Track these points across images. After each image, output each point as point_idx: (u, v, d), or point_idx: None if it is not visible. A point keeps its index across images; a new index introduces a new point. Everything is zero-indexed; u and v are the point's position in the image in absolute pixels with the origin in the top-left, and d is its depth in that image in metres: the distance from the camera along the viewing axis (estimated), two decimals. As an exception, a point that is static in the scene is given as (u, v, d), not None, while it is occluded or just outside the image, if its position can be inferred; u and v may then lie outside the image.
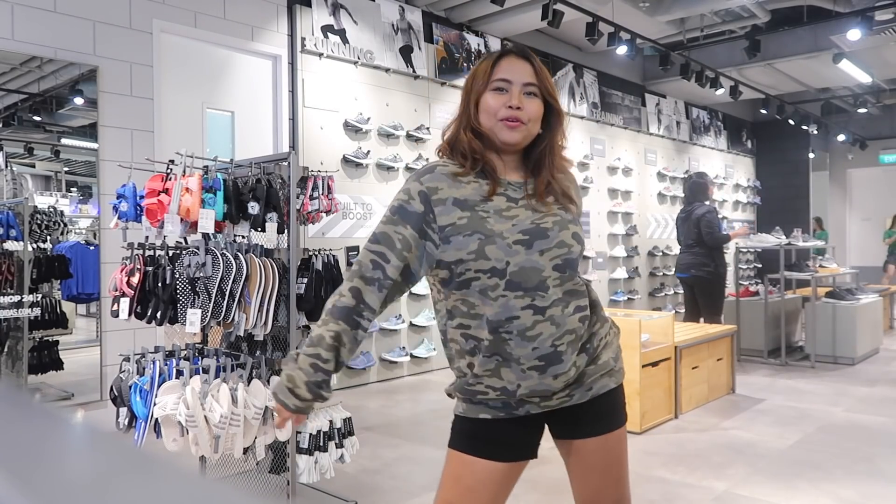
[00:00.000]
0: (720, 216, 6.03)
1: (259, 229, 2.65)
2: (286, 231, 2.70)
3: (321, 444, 2.72)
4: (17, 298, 3.92)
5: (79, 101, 4.20)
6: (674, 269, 7.08)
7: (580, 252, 1.42)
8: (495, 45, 7.00)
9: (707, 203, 5.86)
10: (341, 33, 5.63)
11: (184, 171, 2.63)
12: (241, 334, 2.62)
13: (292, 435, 2.64)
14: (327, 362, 1.34)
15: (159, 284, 2.59)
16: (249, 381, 2.56)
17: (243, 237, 2.71)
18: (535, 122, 1.42)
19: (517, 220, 1.37)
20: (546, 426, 1.49)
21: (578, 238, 1.42)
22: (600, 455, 1.47)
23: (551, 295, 1.36)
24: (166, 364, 2.58)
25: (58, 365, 4.14)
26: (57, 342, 4.14)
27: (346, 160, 5.59)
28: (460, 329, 1.40)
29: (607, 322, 1.53)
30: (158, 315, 2.58)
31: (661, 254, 9.44)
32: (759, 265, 10.94)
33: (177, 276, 2.57)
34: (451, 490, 1.43)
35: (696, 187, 5.95)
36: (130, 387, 2.58)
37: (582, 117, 8.13)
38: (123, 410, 2.62)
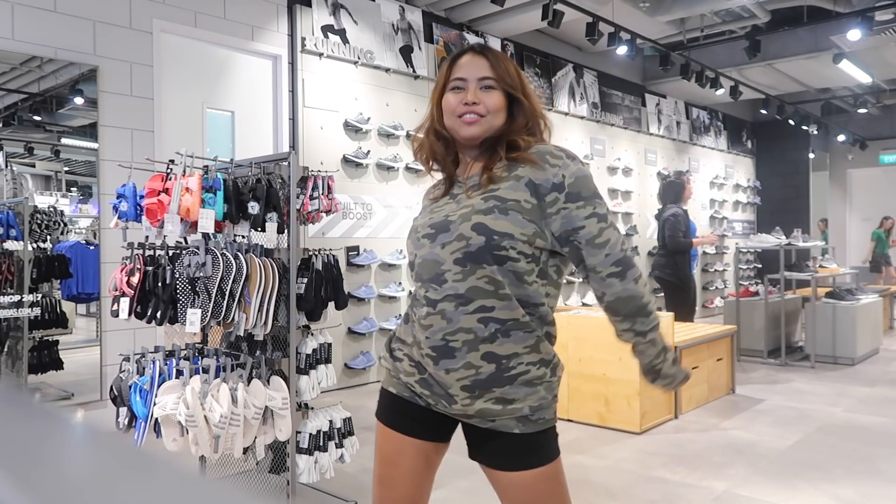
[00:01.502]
0: (691, 219, 5.96)
1: (259, 229, 2.65)
2: (286, 231, 2.70)
3: (321, 444, 2.72)
4: (17, 298, 3.92)
5: (79, 100, 4.20)
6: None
7: (484, 244, 1.29)
8: (495, 45, 7.00)
9: (678, 205, 5.73)
10: (341, 33, 5.63)
11: (184, 171, 2.62)
12: (241, 334, 2.62)
13: (292, 435, 2.64)
14: None
15: (159, 284, 2.59)
16: (249, 381, 2.56)
17: (243, 237, 2.71)
18: (496, 113, 1.41)
19: (436, 213, 1.41)
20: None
21: (482, 228, 1.30)
22: (517, 492, 1.35)
23: (446, 289, 1.32)
24: (166, 364, 2.58)
25: (58, 365, 4.13)
26: (57, 342, 4.13)
27: (346, 160, 5.59)
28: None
29: (549, 364, 1.37)
30: (158, 315, 2.58)
31: (661, 254, 9.44)
32: (759, 265, 10.95)
33: (177, 275, 2.57)
34: (377, 462, 1.48)
35: (669, 188, 5.84)
36: (130, 387, 2.58)
37: (582, 117, 8.13)
38: (123, 410, 2.62)
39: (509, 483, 1.35)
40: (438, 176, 1.54)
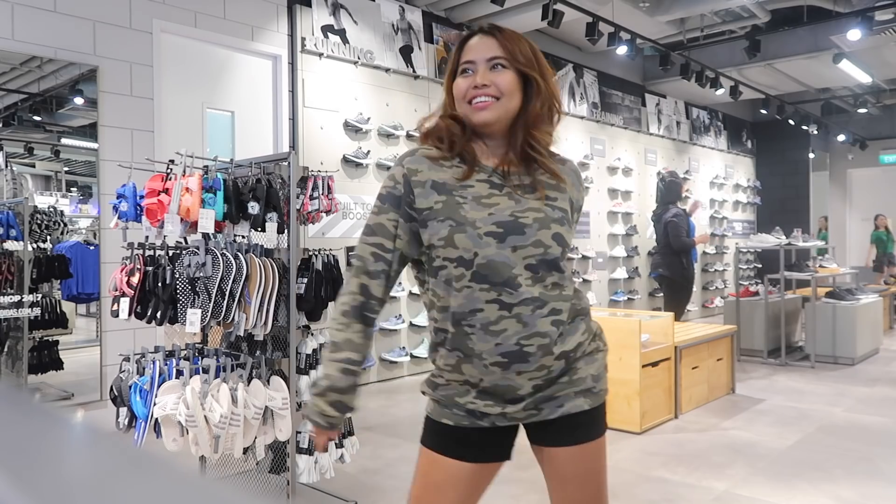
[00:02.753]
0: (691, 218, 6.10)
1: (259, 229, 2.65)
2: (286, 231, 2.70)
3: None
4: (17, 298, 3.92)
5: (79, 101, 4.20)
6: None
7: (560, 254, 1.32)
8: (495, 45, 7.00)
9: (678, 205, 5.91)
10: (341, 33, 5.63)
11: (184, 171, 2.62)
12: (241, 334, 2.62)
13: (292, 435, 2.64)
14: (357, 364, 1.34)
15: (159, 284, 2.59)
16: (249, 381, 2.56)
17: (243, 237, 2.71)
18: (511, 95, 1.32)
19: (495, 209, 1.30)
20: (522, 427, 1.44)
21: (560, 240, 1.32)
22: (575, 466, 1.39)
23: (522, 293, 1.28)
24: (166, 364, 2.58)
25: (58, 365, 4.13)
26: (57, 342, 4.13)
27: (346, 160, 5.59)
28: (433, 322, 1.38)
29: (597, 336, 1.44)
30: (158, 315, 2.58)
31: (661, 254, 9.44)
32: (759, 265, 10.94)
33: (177, 276, 2.57)
34: (420, 487, 1.41)
35: (670, 188, 5.96)
36: (130, 387, 2.58)
37: (582, 117, 8.13)
38: (123, 410, 2.62)
39: (576, 456, 1.38)
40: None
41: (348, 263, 5.91)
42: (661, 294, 6.11)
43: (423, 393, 1.44)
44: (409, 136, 6.07)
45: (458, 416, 1.36)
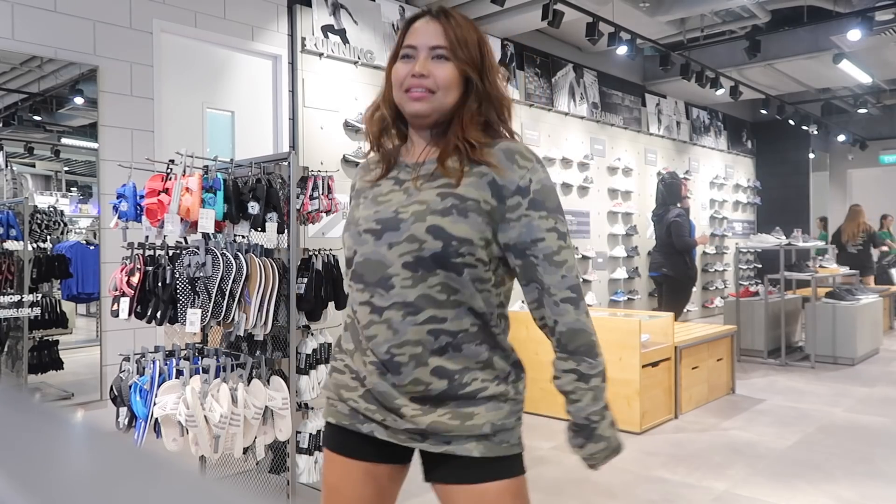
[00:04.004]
0: (693, 219, 6.15)
1: (259, 229, 2.65)
2: (286, 231, 2.70)
3: (321, 444, 2.72)
4: (17, 298, 3.92)
5: (79, 100, 4.20)
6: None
7: (441, 249, 1.14)
8: (495, 45, 7.00)
9: (679, 206, 5.94)
10: (341, 33, 5.63)
11: (184, 171, 2.63)
12: (241, 334, 2.62)
13: (292, 435, 2.64)
14: None
15: (159, 284, 2.59)
16: (249, 381, 2.56)
17: (243, 237, 2.71)
18: (448, 89, 1.20)
19: (384, 206, 1.22)
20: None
21: (439, 232, 1.14)
22: None
23: (393, 295, 1.16)
24: (166, 364, 2.58)
25: (58, 365, 4.13)
26: (57, 342, 4.13)
27: (346, 160, 5.59)
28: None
29: (508, 377, 1.22)
30: (158, 315, 2.58)
31: (661, 254, 9.44)
32: (759, 265, 10.94)
33: (177, 275, 2.57)
34: (323, 489, 1.32)
35: (670, 188, 5.98)
36: (130, 386, 2.58)
37: (582, 117, 8.13)
38: (123, 410, 2.62)
39: (463, 498, 1.19)
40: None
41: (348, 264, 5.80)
42: (660, 294, 6.11)
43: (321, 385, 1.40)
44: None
45: (340, 414, 1.28)
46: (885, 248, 9.16)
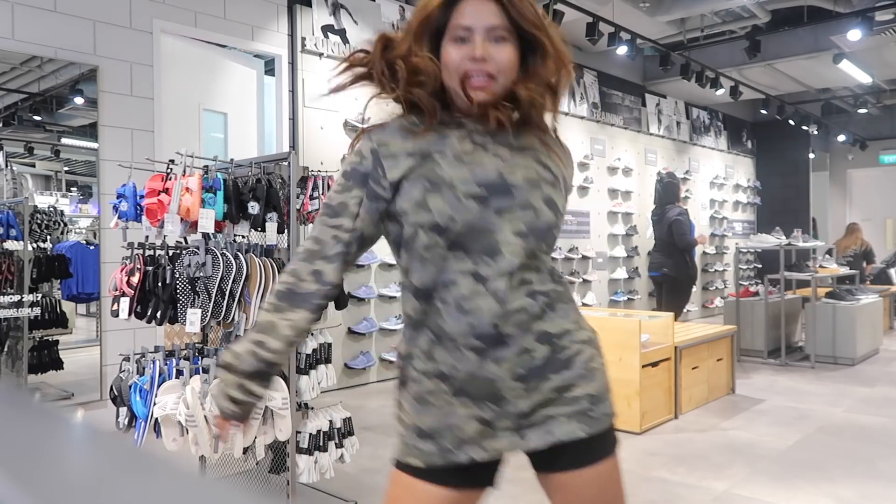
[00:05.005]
0: (693, 219, 6.15)
1: (259, 229, 2.65)
2: (286, 231, 2.70)
3: (321, 443, 2.72)
4: (17, 298, 3.92)
5: (79, 100, 4.20)
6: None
7: (553, 223, 1.15)
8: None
9: (678, 205, 5.94)
10: (341, 33, 5.63)
11: (184, 171, 2.63)
12: (241, 334, 2.62)
13: (292, 435, 2.64)
14: (276, 354, 1.16)
15: (159, 284, 2.59)
16: (249, 381, 2.56)
17: (243, 237, 2.71)
18: (507, 72, 1.14)
19: (478, 167, 1.13)
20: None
21: (553, 205, 1.15)
22: (591, 491, 1.19)
23: (502, 265, 1.11)
24: (166, 364, 2.58)
25: (58, 365, 4.14)
26: (57, 342, 4.14)
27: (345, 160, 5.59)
28: (406, 304, 1.21)
29: (593, 342, 1.24)
30: (158, 315, 2.58)
31: (661, 254, 9.44)
32: (759, 265, 10.94)
33: (177, 275, 2.57)
34: None
35: (669, 188, 5.99)
36: (130, 386, 2.58)
37: (582, 117, 8.13)
38: (123, 410, 2.62)
39: (575, 484, 1.18)
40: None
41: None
42: (659, 294, 6.11)
43: (399, 422, 1.22)
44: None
45: (427, 454, 1.15)
46: (874, 265, 9.13)
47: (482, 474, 1.20)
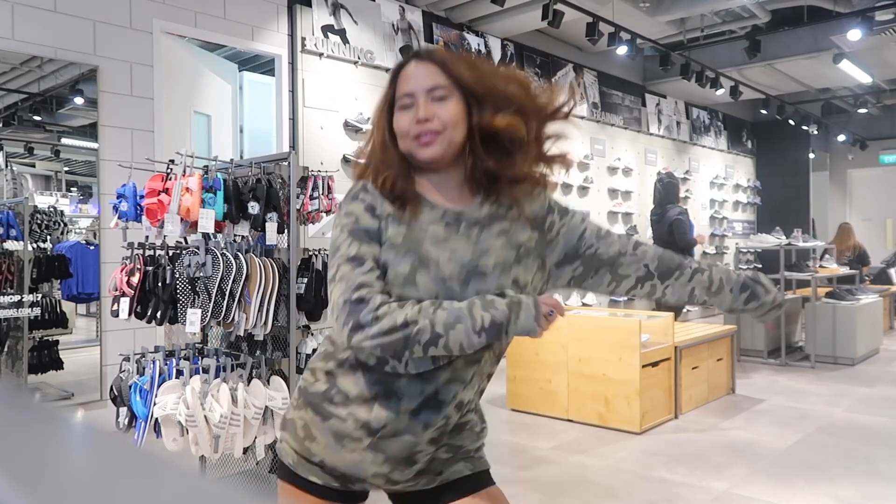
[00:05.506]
0: (692, 217, 6.13)
1: (259, 229, 2.65)
2: (286, 231, 2.70)
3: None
4: (17, 298, 3.92)
5: (79, 100, 4.20)
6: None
7: None
8: (495, 45, 7.00)
9: (678, 205, 5.92)
10: (341, 33, 5.63)
11: (184, 171, 2.63)
12: (241, 334, 2.62)
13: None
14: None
15: (159, 284, 2.59)
16: (249, 381, 2.56)
17: (243, 237, 2.71)
18: (455, 126, 1.18)
19: (456, 252, 1.18)
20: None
21: (522, 284, 1.21)
22: None
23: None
24: (166, 364, 2.58)
25: (58, 365, 4.14)
26: (57, 342, 4.14)
27: (346, 160, 5.59)
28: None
29: (481, 417, 1.38)
30: (158, 315, 2.58)
31: (661, 254, 9.44)
32: (759, 265, 10.93)
33: (177, 275, 2.57)
34: None
35: (669, 188, 5.99)
36: (130, 386, 2.58)
37: (582, 117, 8.13)
38: (123, 410, 2.62)
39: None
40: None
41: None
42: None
43: (283, 440, 1.29)
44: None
45: (328, 476, 1.23)
46: (870, 267, 9.12)
47: (364, 494, 1.31)
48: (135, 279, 2.60)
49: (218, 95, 5.27)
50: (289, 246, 2.68)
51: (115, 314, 2.63)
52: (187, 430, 2.41)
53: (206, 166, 2.75)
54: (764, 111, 10.28)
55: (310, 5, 5.42)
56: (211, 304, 2.48)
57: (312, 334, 2.79)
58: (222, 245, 2.61)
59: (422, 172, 1.23)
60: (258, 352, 2.71)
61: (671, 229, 5.75)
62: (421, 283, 1.15)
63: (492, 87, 1.20)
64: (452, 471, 1.28)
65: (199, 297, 2.53)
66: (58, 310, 4.13)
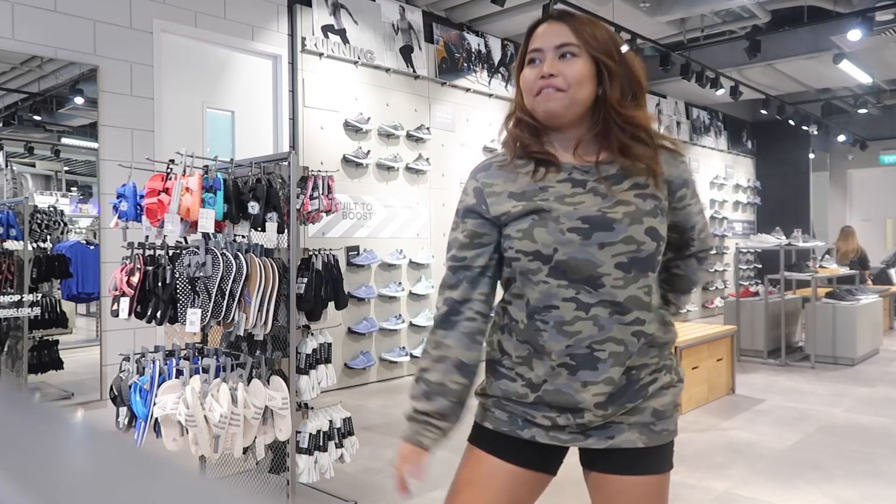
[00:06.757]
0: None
1: (259, 229, 2.65)
2: (286, 231, 2.70)
3: (321, 443, 2.72)
4: (17, 298, 3.92)
5: (79, 100, 4.20)
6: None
7: (654, 250, 1.21)
8: (495, 45, 7.00)
9: None
10: (341, 33, 5.63)
11: (184, 171, 2.62)
12: (241, 334, 2.62)
13: (292, 435, 2.64)
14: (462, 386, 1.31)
15: (159, 284, 2.59)
16: (249, 381, 2.56)
17: (243, 237, 2.71)
18: (579, 85, 1.19)
19: (580, 206, 1.20)
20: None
21: (654, 234, 1.20)
22: (625, 498, 1.26)
23: (602, 293, 1.19)
24: (166, 364, 2.58)
25: (58, 364, 4.13)
26: (57, 342, 4.13)
27: (346, 160, 5.59)
28: (502, 303, 1.32)
29: (672, 368, 1.31)
30: (158, 315, 2.58)
31: (661, 254, 9.44)
32: (759, 265, 10.94)
33: (177, 275, 2.57)
34: (456, 480, 1.33)
35: None
36: (130, 386, 2.58)
37: (582, 117, 8.12)
38: (123, 410, 2.62)
39: (619, 488, 1.26)
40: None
41: (348, 263, 5.88)
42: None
43: (477, 394, 1.34)
44: (409, 136, 6.06)
45: (498, 420, 1.29)
46: (870, 269, 9.11)
47: (544, 459, 1.31)
48: (135, 279, 2.60)
49: (249, 91, 5.23)
50: (289, 246, 2.68)
51: (115, 314, 2.63)
52: (187, 430, 2.41)
53: (207, 166, 2.75)
54: (764, 111, 10.27)
55: (310, 5, 5.42)
56: (211, 304, 2.48)
57: (312, 334, 2.79)
58: (222, 245, 2.61)
59: (549, 133, 1.27)
60: (258, 352, 2.71)
61: None
62: (539, 237, 1.20)
63: (620, 60, 1.23)
64: (624, 438, 1.24)
65: (199, 297, 2.53)
66: (58, 309, 4.13)
